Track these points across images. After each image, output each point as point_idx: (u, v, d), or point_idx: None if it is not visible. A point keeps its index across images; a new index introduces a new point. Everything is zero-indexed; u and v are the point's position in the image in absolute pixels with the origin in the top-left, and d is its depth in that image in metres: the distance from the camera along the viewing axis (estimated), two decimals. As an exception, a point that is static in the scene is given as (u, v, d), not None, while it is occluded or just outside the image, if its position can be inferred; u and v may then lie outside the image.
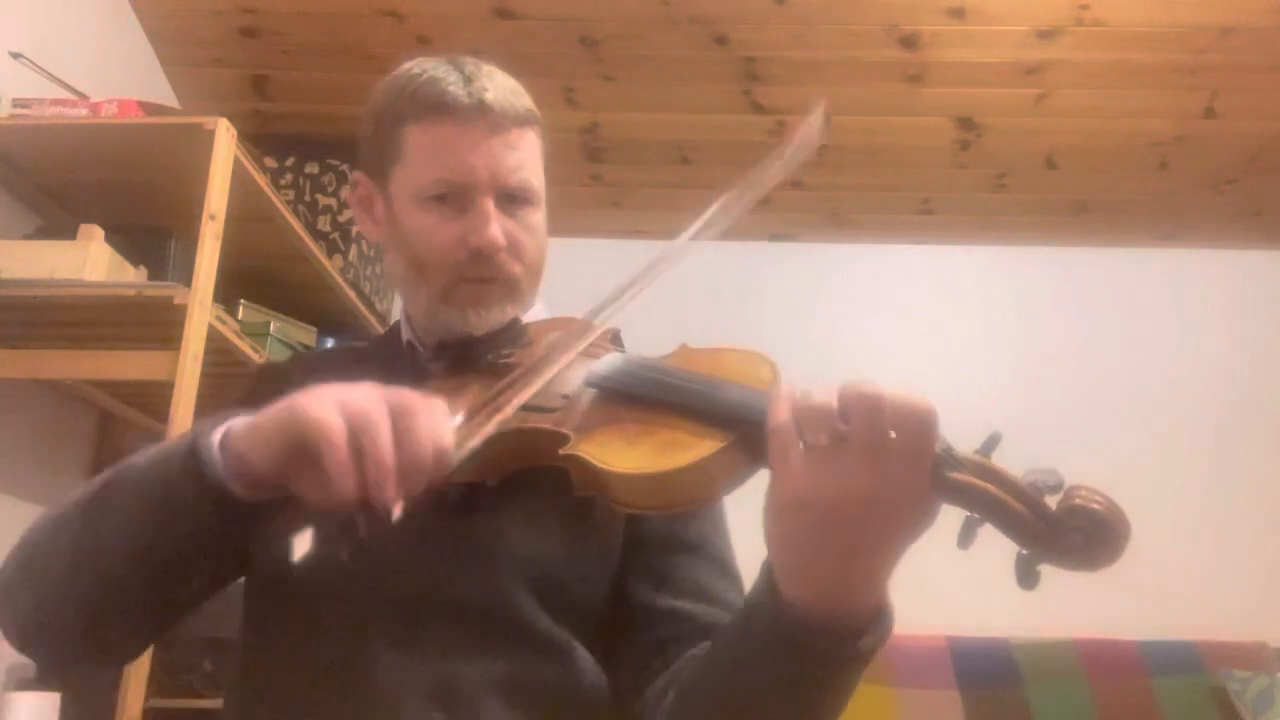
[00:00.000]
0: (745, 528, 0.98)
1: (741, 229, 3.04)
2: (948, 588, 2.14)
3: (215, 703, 0.93)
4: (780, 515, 0.67)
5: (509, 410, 0.77)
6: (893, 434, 0.62)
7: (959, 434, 0.66)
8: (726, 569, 0.97)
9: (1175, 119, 2.80)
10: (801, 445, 0.64)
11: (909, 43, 2.63)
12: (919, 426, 0.62)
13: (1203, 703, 2.32)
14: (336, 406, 0.67)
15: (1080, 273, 3.21)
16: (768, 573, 0.71)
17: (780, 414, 0.65)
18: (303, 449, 0.67)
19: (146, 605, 0.81)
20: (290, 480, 0.69)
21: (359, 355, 1.16)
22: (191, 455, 0.73)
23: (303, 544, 0.65)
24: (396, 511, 0.66)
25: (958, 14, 2.55)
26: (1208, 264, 3.19)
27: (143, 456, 0.80)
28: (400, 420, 0.67)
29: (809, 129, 0.91)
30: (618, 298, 0.85)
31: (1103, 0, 2.50)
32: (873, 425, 0.62)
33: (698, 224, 0.87)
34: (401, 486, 0.66)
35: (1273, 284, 3.17)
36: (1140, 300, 3.18)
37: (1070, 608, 2.21)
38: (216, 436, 0.74)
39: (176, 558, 0.77)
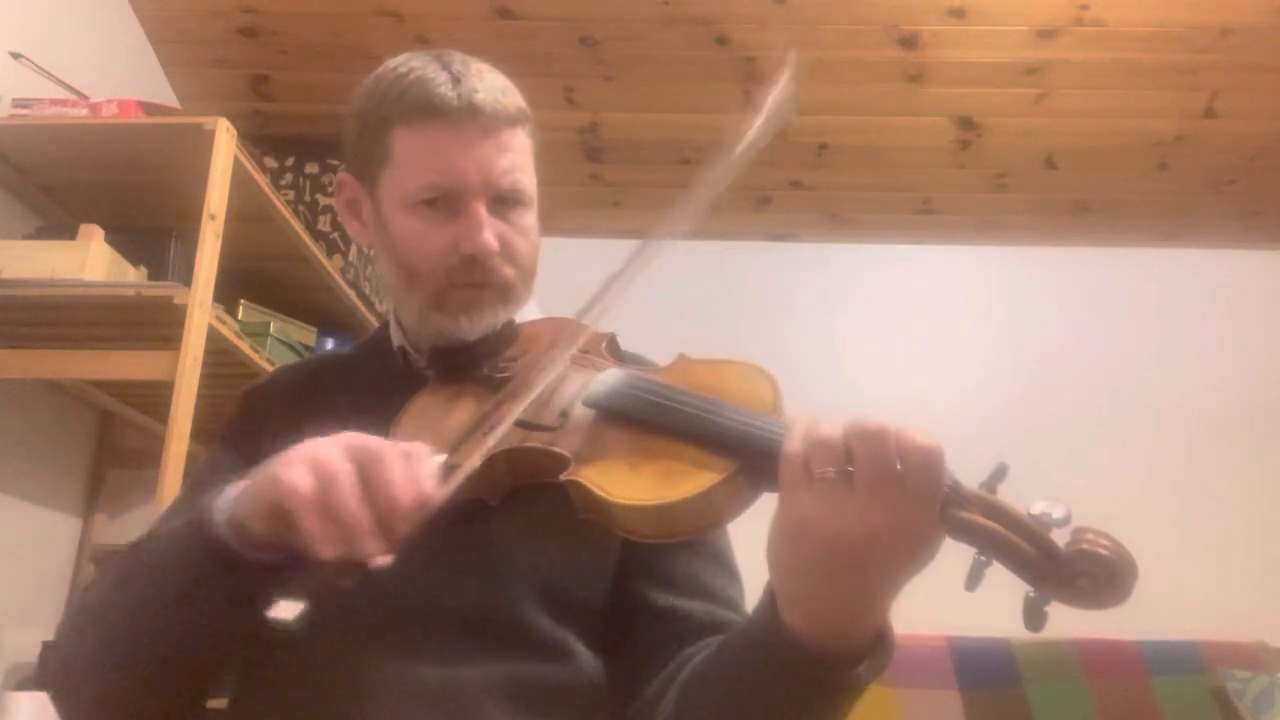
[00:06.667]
0: (744, 530, 0.99)
1: (741, 229, 3.07)
2: (947, 588, 2.13)
3: (219, 702, 0.92)
4: (786, 544, 0.67)
5: (506, 425, 0.76)
6: (899, 472, 0.62)
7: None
8: (725, 564, 0.97)
9: (1175, 119, 2.80)
10: (811, 475, 0.65)
11: (909, 43, 2.63)
12: (925, 465, 0.63)
13: (1203, 703, 2.32)
14: (307, 467, 0.67)
15: (1080, 273, 3.20)
16: (770, 597, 0.72)
17: (793, 443, 0.66)
18: (284, 515, 0.68)
19: (179, 688, 0.83)
20: (291, 540, 0.69)
21: (344, 365, 1.11)
22: (200, 532, 0.74)
23: (291, 609, 0.65)
24: (383, 562, 0.66)
25: (958, 14, 2.55)
26: (1208, 264, 3.19)
27: (156, 541, 0.82)
28: (370, 473, 0.67)
29: (780, 88, 0.87)
30: (607, 295, 0.84)
31: (1102, 0, 2.50)
32: (878, 463, 0.63)
33: (683, 208, 0.83)
34: (381, 539, 0.66)
35: (1273, 284, 3.17)
36: (1140, 300, 3.18)
37: (1070, 608, 2.20)
38: (220, 511, 0.74)
39: (204, 636, 0.78)
